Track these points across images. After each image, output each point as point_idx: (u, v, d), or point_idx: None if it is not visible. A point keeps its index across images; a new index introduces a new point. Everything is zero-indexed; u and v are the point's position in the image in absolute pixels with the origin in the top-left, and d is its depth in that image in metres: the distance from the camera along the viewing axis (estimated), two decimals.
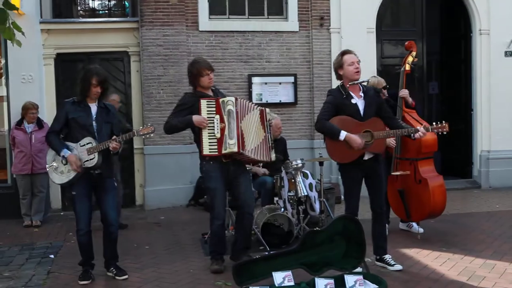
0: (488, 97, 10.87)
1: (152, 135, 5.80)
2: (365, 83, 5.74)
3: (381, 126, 5.59)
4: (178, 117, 5.88)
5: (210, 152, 5.72)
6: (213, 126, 5.69)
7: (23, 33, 5.02)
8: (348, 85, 5.59)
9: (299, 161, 7.09)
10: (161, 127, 9.44)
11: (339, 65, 5.65)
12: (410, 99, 6.93)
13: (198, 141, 5.82)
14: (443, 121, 5.59)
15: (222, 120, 5.68)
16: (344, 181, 5.78)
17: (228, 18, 10.31)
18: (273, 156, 5.99)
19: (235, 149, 5.64)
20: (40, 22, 9.55)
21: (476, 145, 11.05)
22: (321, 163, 7.45)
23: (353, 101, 5.58)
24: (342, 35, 10.36)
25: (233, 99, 5.76)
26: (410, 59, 7.05)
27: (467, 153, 11.22)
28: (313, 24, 10.36)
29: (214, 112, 5.72)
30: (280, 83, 10.22)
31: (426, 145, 6.72)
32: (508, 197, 9.82)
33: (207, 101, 5.77)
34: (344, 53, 5.71)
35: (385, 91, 6.92)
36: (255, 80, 10.26)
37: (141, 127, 5.78)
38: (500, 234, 7.18)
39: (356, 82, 5.57)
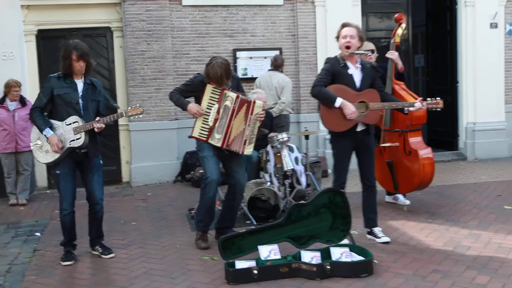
0: (474, 69, 10.88)
1: (140, 116, 5.72)
2: (367, 54, 5.78)
3: (377, 98, 5.57)
4: (182, 94, 5.88)
5: (199, 135, 5.77)
6: (209, 113, 5.70)
7: None
8: (346, 55, 5.57)
9: (284, 135, 7.08)
10: (146, 103, 9.58)
11: (337, 36, 5.68)
12: (400, 63, 6.86)
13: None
14: (437, 98, 5.60)
15: (219, 112, 5.70)
16: (334, 152, 5.76)
17: None
18: (247, 151, 5.82)
19: (219, 145, 5.74)
20: None
21: (462, 117, 11.10)
22: (306, 137, 7.44)
23: (349, 71, 5.58)
24: (327, 8, 10.27)
25: (234, 96, 5.71)
26: (399, 31, 7.02)
27: (453, 125, 11.26)
28: None
29: (216, 100, 5.71)
30: (265, 57, 10.13)
31: (417, 117, 6.71)
32: (494, 169, 9.89)
33: (213, 88, 5.72)
34: (343, 25, 5.72)
35: (372, 56, 6.84)
36: (240, 54, 10.19)
37: (129, 108, 5.63)
38: (486, 205, 7.23)
39: (357, 52, 5.56)
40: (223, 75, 5.60)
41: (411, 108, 5.62)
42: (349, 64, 5.60)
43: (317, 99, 5.79)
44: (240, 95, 5.77)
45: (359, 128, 5.60)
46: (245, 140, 5.78)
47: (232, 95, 5.73)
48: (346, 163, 5.72)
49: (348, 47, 5.55)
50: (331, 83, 5.56)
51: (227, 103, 5.71)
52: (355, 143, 5.67)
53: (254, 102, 5.80)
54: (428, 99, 5.66)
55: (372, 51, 6.89)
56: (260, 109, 5.84)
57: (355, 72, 5.61)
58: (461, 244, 5.63)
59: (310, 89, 5.67)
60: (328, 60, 5.72)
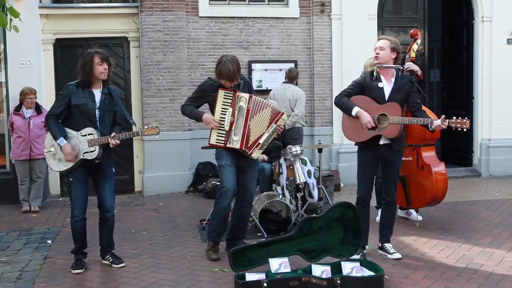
0: (490, 85, 10.82)
1: (156, 136, 5.76)
2: (400, 68, 5.72)
3: (398, 112, 5.50)
4: (194, 104, 5.94)
5: (216, 142, 5.78)
6: (224, 118, 5.72)
7: (20, 19, 4.95)
8: (376, 68, 5.61)
9: (297, 148, 7.07)
10: (160, 114, 9.63)
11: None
12: (419, 71, 6.84)
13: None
14: (465, 117, 5.47)
15: (233, 114, 5.73)
16: (358, 164, 5.79)
17: (228, 3, 10.24)
18: (254, 154, 5.80)
19: (237, 147, 5.74)
20: (39, 7, 9.46)
21: (477, 133, 11.00)
22: (320, 150, 7.42)
23: (380, 84, 5.58)
24: (343, 22, 10.28)
25: (247, 96, 5.76)
26: (415, 46, 7.04)
27: (468, 141, 11.15)
28: (314, 10, 10.28)
29: (230, 104, 5.74)
30: (280, 70, 10.12)
31: (430, 132, 6.66)
32: (508, 186, 9.80)
33: (225, 92, 5.75)
34: (378, 38, 5.80)
35: None
36: (255, 66, 10.21)
37: (145, 127, 5.66)
38: (499, 222, 7.16)
39: (384, 66, 5.55)
40: (235, 70, 5.66)
41: (433, 126, 5.45)
42: (382, 77, 5.60)
43: (337, 107, 5.79)
44: (253, 96, 5.81)
45: (382, 141, 5.58)
46: (259, 143, 5.78)
47: (245, 95, 5.77)
48: (368, 176, 5.72)
49: (376, 58, 5.60)
50: (359, 94, 5.61)
51: (241, 103, 5.74)
52: (378, 156, 5.66)
53: (282, 114, 5.88)
54: (454, 118, 5.43)
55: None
56: (284, 122, 5.92)
57: (387, 86, 5.59)
58: (474, 262, 5.58)
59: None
60: (363, 73, 5.79)
